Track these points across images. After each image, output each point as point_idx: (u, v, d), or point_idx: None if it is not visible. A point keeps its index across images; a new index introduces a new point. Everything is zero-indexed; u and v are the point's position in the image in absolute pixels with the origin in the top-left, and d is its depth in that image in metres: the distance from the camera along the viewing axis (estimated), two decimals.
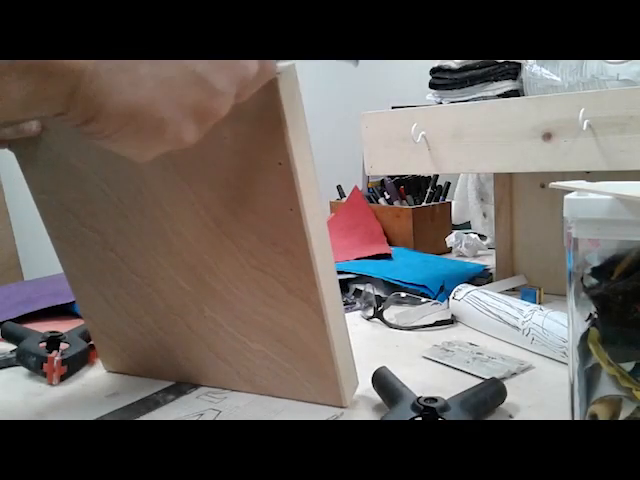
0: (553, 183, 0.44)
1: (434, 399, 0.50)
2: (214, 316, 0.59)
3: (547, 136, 0.73)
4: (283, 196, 0.49)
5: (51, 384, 0.66)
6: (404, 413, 0.49)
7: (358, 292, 0.91)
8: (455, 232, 1.23)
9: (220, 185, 0.52)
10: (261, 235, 0.52)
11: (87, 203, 0.59)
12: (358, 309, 0.88)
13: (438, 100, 0.96)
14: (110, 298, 0.64)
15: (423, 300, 0.88)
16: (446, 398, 0.50)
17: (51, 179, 0.59)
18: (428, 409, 0.49)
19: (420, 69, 1.06)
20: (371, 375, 0.58)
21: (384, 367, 0.58)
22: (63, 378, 0.67)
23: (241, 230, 0.53)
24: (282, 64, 0.46)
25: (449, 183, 1.33)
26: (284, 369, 0.58)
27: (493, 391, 0.54)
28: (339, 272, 0.89)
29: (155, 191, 0.55)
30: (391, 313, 0.84)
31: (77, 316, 0.87)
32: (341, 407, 0.57)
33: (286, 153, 0.47)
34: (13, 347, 0.73)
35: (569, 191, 0.42)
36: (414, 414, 0.49)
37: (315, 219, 0.51)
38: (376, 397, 0.57)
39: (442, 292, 0.89)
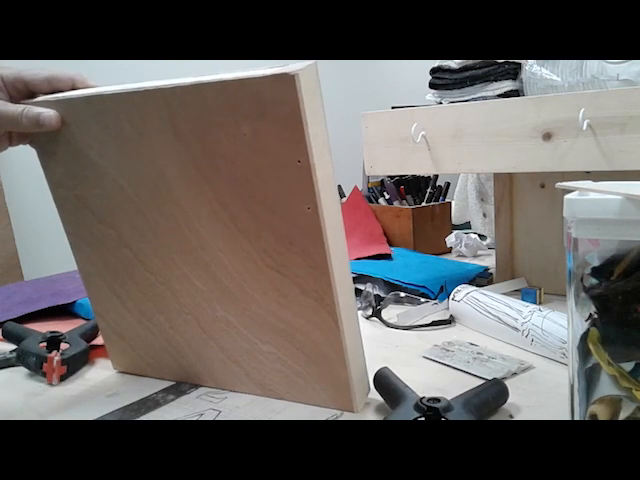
0: (559, 183, 0.44)
1: (437, 399, 0.49)
2: (226, 316, 0.58)
3: (547, 136, 0.73)
4: (301, 194, 0.49)
5: (51, 384, 0.66)
6: (407, 413, 0.49)
7: (358, 292, 0.91)
8: (455, 232, 1.23)
9: (238, 183, 0.52)
10: (278, 234, 0.52)
11: (104, 199, 0.59)
12: (358, 308, 0.88)
13: (438, 100, 0.96)
14: (123, 296, 0.64)
15: (422, 300, 0.88)
16: (447, 398, 0.50)
17: (70, 174, 0.60)
18: (431, 409, 0.49)
19: (420, 69, 1.07)
20: (372, 376, 0.58)
21: (386, 367, 0.58)
22: (63, 378, 0.67)
23: (258, 229, 0.53)
24: (303, 63, 0.46)
25: (449, 183, 1.33)
26: (295, 372, 0.57)
27: (495, 391, 0.54)
28: None
29: (173, 188, 0.55)
30: (392, 313, 0.84)
31: (77, 316, 0.87)
32: (351, 412, 0.56)
33: (305, 151, 0.47)
34: (13, 347, 0.73)
35: (573, 191, 0.42)
36: (417, 414, 0.49)
37: (332, 218, 0.51)
38: (377, 397, 0.57)
39: (442, 292, 0.89)
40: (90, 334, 0.75)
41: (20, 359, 0.69)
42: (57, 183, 0.61)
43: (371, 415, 0.56)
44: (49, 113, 0.55)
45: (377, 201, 1.34)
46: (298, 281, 0.53)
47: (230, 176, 0.52)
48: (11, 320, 0.81)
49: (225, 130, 0.50)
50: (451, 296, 0.82)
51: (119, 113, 0.54)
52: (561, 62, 0.81)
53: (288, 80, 0.45)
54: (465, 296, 0.80)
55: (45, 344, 0.70)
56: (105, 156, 0.57)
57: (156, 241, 0.59)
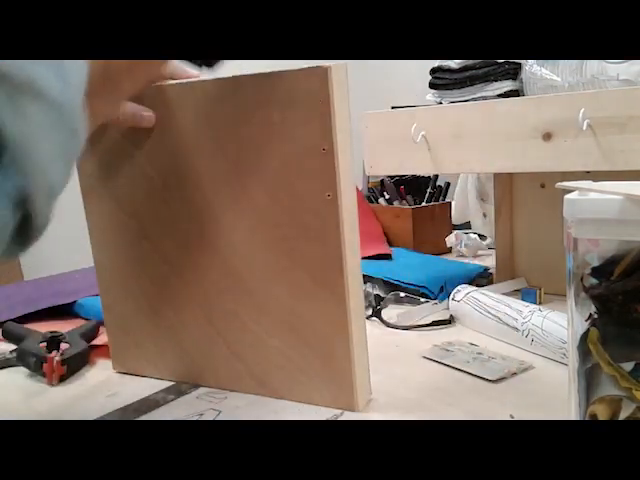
0: (559, 183, 0.44)
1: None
2: (235, 308, 0.59)
3: (547, 136, 0.73)
4: (323, 181, 0.52)
5: (51, 384, 0.66)
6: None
7: None
8: (455, 232, 1.23)
9: (264, 171, 0.54)
10: (296, 222, 0.54)
11: (131, 189, 0.61)
12: None
13: (438, 100, 0.96)
14: (135, 289, 0.65)
15: (422, 300, 0.88)
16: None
17: (102, 164, 0.62)
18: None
19: (420, 69, 1.06)
20: None
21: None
22: (63, 378, 0.67)
23: (277, 217, 0.55)
24: (333, 61, 0.49)
25: (449, 183, 1.33)
26: (298, 368, 0.57)
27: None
28: None
29: (200, 177, 0.57)
30: (392, 313, 0.84)
31: (77, 316, 0.87)
32: (352, 410, 0.56)
33: (330, 139, 0.50)
34: (13, 347, 0.73)
35: (573, 191, 0.42)
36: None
37: (349, 206, 0.54)
38: (378, 397, 0.57)
39: (442, 292, 0.89)
40: (90, 334, 0.75)
41: (20, 359, 0.69)
42: (89, 173, 0.63)
43: (372, 414, 0.56)
44: (149, 113, 0.57)
45: (377, 201, 1.34)
46: (310, 270, 0.54)
47: (257, 165, 0.54)
48: (11, 320, 0.81)
49: (257, 120, 0.53)
50: (451, 296, 0.82)
51: (158, 105, 0.56)
52: (561, 62, 0.81)
53: (322, 72, 0.49)
54: (465, 296, 0.80)
55: (45, 344, 0.70)
56: (139, 147, 0.59)
57: (176, 231, 0.60)
